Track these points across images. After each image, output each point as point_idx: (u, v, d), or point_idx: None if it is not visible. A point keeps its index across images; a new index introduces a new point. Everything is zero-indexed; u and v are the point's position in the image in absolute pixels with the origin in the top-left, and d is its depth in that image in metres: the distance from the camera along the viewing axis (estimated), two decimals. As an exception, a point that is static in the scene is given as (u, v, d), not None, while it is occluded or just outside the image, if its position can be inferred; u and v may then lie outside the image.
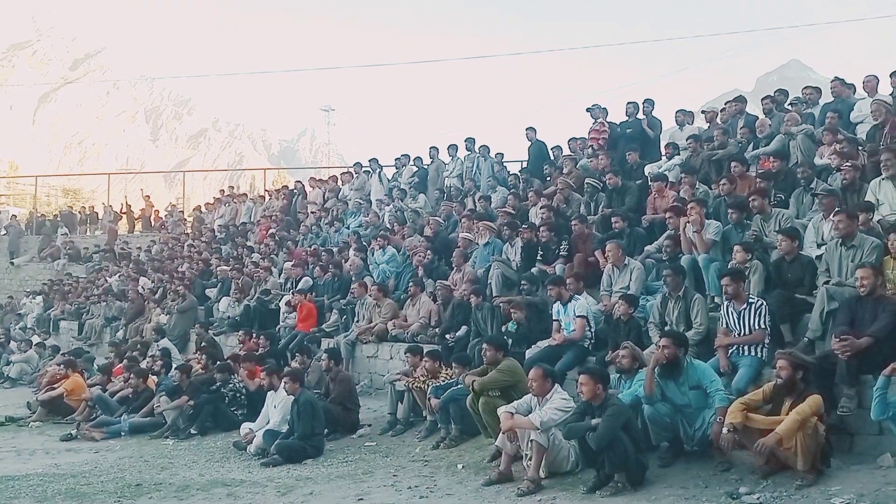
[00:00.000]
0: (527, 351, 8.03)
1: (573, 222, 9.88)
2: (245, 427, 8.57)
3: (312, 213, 17.47)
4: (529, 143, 14.86)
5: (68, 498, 6.59)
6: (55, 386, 11.37)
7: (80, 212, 28.72)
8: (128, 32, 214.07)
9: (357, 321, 11.43)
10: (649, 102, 12.92)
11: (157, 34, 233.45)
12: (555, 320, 8.10)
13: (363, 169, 17.69)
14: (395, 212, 14.95)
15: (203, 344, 11.86)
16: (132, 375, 10.58)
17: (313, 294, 12.64)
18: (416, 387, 8.20)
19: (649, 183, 10.53)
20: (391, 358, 10.40)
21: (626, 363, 6.43)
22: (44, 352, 15.41)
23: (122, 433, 9.59)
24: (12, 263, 24.63)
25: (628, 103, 13.06)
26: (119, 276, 18.90)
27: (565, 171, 12.56)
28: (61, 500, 6.56)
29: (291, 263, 14.34)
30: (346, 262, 13.07)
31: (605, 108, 13.89)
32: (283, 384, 8.25)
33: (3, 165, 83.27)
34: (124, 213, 26.46)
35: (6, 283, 24.03)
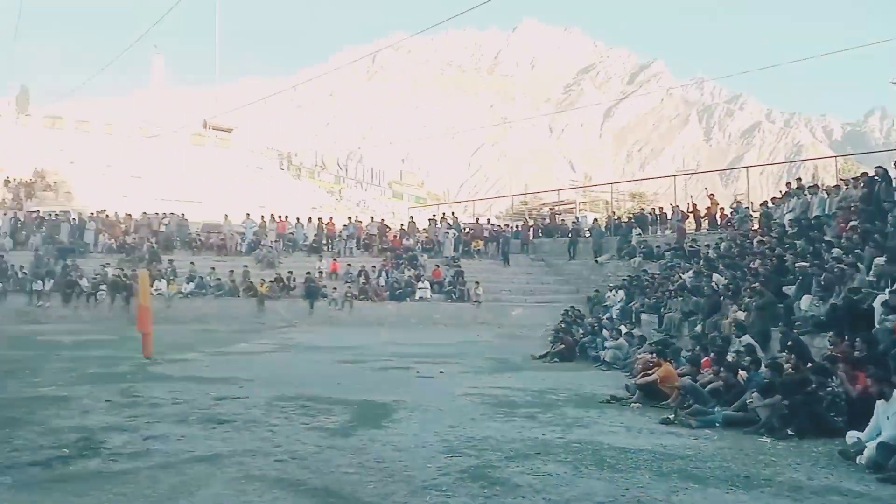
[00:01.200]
0: None
1: None
2: (852, 436, 7.97)
3: (904, 200, 15.21)
4: None
5: (682, 478, 7.05)
6: (649, 372, 12.50)
7: (650, 213, 31.24)
8: (680, 40, 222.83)
9: None
10: None
11: (709, 35, 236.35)
12: None
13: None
14: None
15: (790, 343, 11.49)
16: (722, 369, 10.92)
17: (922, 295, 10.97)
18: None
19: None
20: None
21: None
22: (632, 340, 17.15)
23: (716, 424, 9.87)
24: (596, 261, 28.35)
25: None
26: (692, 273, 19.80)
27: None
28: (677, 478, 7.06)
29: (885, 259, 12.74)
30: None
31: None
32: (894, 393, 7.40)
33: (579, 176, 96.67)
34: (690, 212, 27.71)
35: (592, 278, 27.74)
